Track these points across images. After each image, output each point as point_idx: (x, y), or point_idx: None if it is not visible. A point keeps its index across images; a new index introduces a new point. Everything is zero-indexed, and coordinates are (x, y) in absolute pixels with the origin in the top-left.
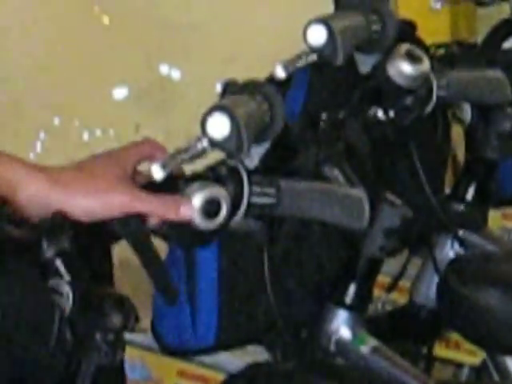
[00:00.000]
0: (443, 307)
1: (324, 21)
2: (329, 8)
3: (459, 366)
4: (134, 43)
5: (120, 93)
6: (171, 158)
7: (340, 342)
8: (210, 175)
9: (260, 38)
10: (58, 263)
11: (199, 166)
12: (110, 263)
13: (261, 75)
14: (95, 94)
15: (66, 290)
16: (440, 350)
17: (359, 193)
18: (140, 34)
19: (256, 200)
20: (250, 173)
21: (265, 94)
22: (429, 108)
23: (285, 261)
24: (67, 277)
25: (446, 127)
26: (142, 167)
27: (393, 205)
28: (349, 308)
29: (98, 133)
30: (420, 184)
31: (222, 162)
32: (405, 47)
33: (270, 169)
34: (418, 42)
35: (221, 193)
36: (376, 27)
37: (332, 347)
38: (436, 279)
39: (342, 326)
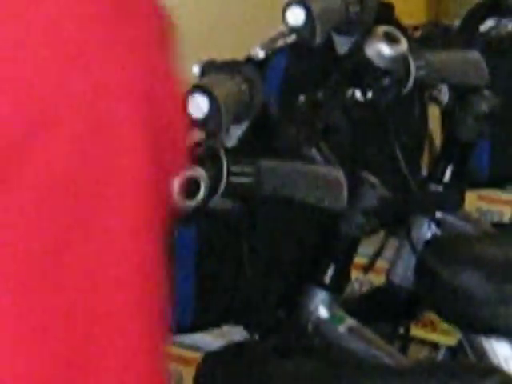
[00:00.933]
0: (420, 287)
1: (302, 2)
2: None
3: (435, 346)
4: None
5: None
6: None
7: (318, 322)
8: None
9: (235, 20)
10: None
11: None
12: None
13: (237, 57)
14: None
15: None
16: (416, 331)
17: (337, 173)
18: None
19: (235, 180)
20: (229, 153)
21: (244, 73)
22: (406, 89)
23: (263, 241)
24: None
25: (422, 108)
26: None
27: (371, 185)
28: (327, 288)
29: None
30: (397, 165)
31: (200, 143)
32: (383, 28)
33: (249, 149)
34: (396, 24)
35: (199, 173)
36: (354, 8)
37: (310, 327)
38: (413, 260)
39: (319, 305)
